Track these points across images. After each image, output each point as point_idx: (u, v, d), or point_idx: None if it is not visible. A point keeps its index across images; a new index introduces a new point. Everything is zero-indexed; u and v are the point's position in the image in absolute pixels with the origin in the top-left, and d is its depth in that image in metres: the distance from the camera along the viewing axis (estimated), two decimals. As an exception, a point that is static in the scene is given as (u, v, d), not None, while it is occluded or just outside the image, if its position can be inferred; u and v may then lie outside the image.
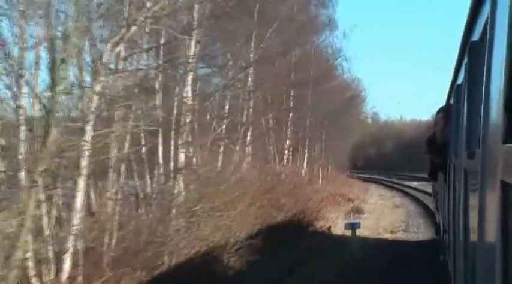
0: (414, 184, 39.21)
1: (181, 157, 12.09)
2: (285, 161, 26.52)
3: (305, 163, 29.61)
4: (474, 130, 3.15)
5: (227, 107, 19.98)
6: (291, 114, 26.22)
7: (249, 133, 21.09)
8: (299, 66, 25.84)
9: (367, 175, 56.88)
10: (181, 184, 11.67)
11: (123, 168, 10.55)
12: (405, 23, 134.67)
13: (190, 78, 12.40)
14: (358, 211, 25.42)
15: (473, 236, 3.16)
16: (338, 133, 39.24)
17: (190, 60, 12.12)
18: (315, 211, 20.81)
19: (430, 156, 8.26)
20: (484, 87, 2.51)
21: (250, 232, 12.14)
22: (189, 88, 12.29)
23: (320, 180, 36.29)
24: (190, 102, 12.17)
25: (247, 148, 20.95)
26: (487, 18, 2.66)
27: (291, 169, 27.48)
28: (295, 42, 26.42)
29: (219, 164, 15.47)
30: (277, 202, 16.34)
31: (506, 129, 1.89)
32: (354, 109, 39.57)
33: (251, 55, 18.48)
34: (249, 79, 19.30)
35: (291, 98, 25.84)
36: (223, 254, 10.99)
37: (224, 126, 19.79)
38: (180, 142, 11.96)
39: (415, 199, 30.82)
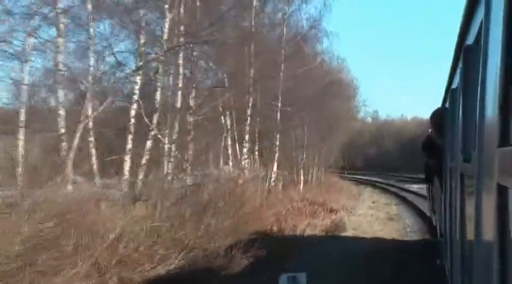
0: (414, 187, 33.60)
1: None
2: (244, 162, 20.27)
3: (275, 165, 23.28)
4: (470, 133, 3.17)
5: (137, 87, 13.91)
6: (251, 99, 19.92)
7: (176, 124, 14.90)
8: (260, 38, 19.62)
9: (365, 177, 51.86)
10: None
11: None
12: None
13: None
14: (338, 227, 19.06)
15: (470, 240, 3.16)
16: (326, 128, 32.97)
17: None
18: (269, 234, 14.60)
19: (426, 157, 8.53)
20: (479, 90, 2.55)
21: None
22: None
23: (301, 185, 30.27)
24: None
25: (173, 145, 14.76)
26: (482, 22, 2.69)
27: (255, 172, 21.31)
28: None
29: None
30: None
31: (501, 132, 1.93)
32: (340, 99, 33.06)
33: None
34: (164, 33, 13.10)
35: (252, 75, 19.43)
36: None
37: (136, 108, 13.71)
38: None
39: (414, 208, 24.92)
